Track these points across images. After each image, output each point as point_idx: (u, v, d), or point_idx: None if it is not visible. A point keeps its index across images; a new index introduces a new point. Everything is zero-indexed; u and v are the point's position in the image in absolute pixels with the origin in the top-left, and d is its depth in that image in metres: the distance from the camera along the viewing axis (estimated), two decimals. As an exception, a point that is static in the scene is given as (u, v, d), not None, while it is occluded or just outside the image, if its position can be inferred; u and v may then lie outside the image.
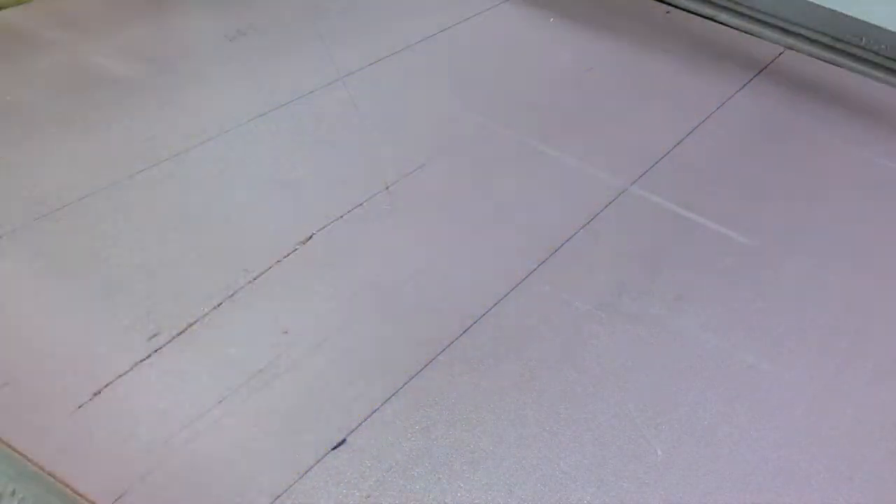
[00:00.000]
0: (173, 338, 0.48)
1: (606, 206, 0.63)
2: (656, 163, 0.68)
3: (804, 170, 0.70)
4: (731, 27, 0.88)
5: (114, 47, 0.68)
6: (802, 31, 0.85)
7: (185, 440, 0.43)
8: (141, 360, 0.46)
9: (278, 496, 0.42)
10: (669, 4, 0.90)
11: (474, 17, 0.79)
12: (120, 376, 0.45)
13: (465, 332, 0.51)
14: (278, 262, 0.53)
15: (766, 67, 0.82)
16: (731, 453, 0.47)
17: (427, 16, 0.76)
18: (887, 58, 0.82)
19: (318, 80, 0.66)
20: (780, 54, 0.85)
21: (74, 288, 0.49)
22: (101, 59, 0.66)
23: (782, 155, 0.72)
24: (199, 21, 0.74)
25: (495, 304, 0.53)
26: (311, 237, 0.55)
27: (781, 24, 0.86)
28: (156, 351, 0.47)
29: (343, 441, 0.44)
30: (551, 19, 0.84)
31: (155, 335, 0.47)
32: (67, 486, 0.40)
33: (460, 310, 0.53)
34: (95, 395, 0.44)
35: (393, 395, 0.47)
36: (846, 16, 0.83)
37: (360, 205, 0.59)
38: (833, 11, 0.85)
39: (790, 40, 0.86)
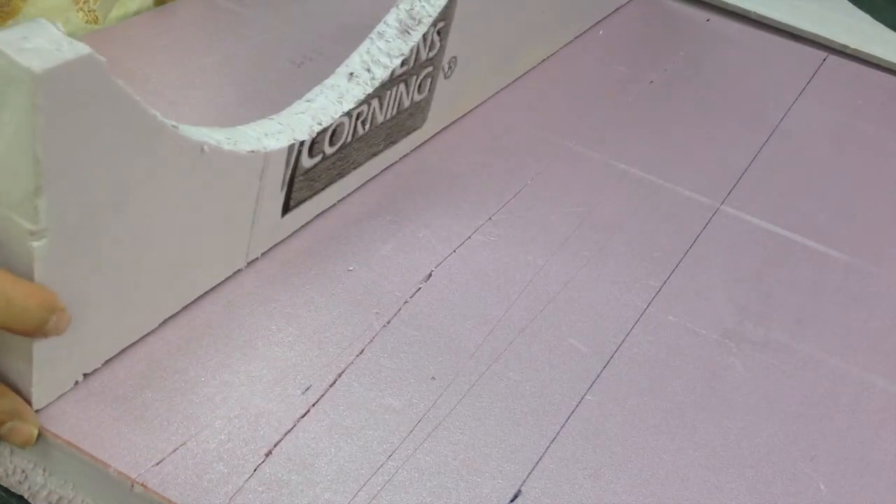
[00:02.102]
0: (326, 390, 0.47)
1: (704, 228, 0.63)
2: (738, 180, 0.69)
3: (880, 176, 0.72)
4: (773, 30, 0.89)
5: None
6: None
7: (367, 498, 0.42)
8: (301, 416, 0.45)
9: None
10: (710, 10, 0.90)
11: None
12: (286, 433, 0.44)
13: (604, 367, 0.51)
14: (406, 302, 0.53)
15: (814, 74, 0.83)
16: (890, 482, 0.48)
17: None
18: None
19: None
20: (823, 60, 0.86)
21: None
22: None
23: (854, 163, 0.73)
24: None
25: (626, 336, 0.53)
26: (430, 275, 0.55)
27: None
28: (313, 405, 0.46)
29: (519, 492, 0.44)
30: (601, 31, 0.84)
31: (308, 388, 0.46)
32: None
33: (595, 345, 0.52)
34: (267, 455, 0.43)
35: (553, 440, 0.47)
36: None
37: (469, 237, 0.58)
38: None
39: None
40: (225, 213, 0.42)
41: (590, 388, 0.49)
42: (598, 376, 0.50)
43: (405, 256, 0.55)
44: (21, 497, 0.43)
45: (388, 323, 0.51)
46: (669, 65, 0.81)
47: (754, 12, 0.89)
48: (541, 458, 0.45)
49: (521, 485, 0.44)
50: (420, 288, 0.53)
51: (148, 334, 0.45)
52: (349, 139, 0.47)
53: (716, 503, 0.45)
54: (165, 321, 0.46)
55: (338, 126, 0.45)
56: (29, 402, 0.39)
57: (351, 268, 0.53)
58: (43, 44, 0.28)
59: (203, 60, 0.67)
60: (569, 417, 0.48)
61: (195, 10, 0.72)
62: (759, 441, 0.48)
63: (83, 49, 0.28)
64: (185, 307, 0.47)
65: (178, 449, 0.42)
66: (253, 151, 0.40)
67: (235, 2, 0.74)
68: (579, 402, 0.49)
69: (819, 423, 0.50)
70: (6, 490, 0.43)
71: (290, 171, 0.44)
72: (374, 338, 0.49)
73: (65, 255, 0.32)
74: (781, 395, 0.51)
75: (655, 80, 0.78)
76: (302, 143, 0.43)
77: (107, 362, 0.43)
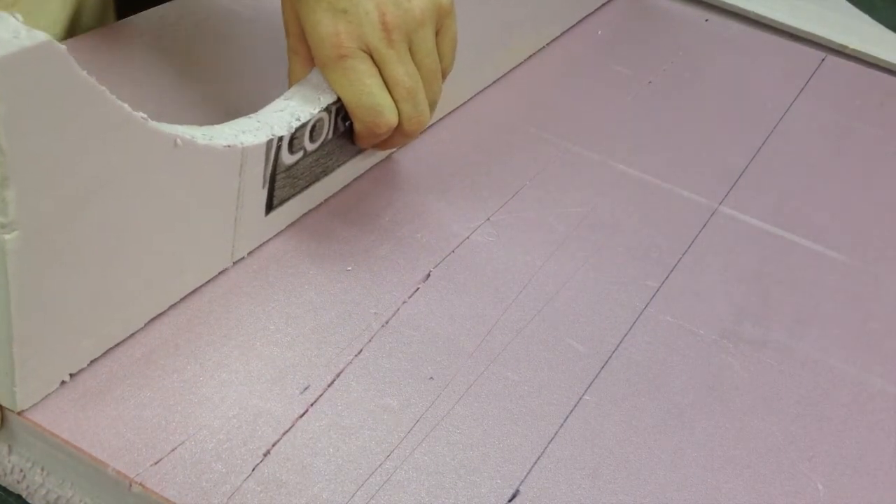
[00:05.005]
0: (325, 390, 0.47)
1: (703, 229, 0.63)
2: (736, 180, 0.69)
3: (879, 177, 0.72)
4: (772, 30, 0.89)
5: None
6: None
7: (366, 498, 0.42)
8: (300, 416, 0.45)
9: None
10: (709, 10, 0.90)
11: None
12: (284, 433, 0.44)
13: (602, 368, 0.51)
14: (404, 302, 0.53)
15: (813, 74, 0.84)
16: (887, 482, 0.48)
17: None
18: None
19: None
20: (822, 60, 0.86)
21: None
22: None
23: (852, 164, 0.73)
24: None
25: (624, 336, 0.53)
26: (428, 275, 0.55)
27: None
28: (312, 405, 0.46)
29: (517, 492, 0.44)
30: (599, 32, 0.84)
31: (307, 388, 0.46)
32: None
33: (593, 345, 0.52)
34: (266, 455, 0.43)
35: (551, 440, 0.47)
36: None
37: (467, 237, 0.58)
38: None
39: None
40: (205, 210, 0.41)
41: (588, 389, 0.49)
42: (597, 376, 0.50)
43: (403, 257, 0.55)
44: (19, 496, 0.43)
45: (387, 323, 0.51)
46: (668, 65, 0.81)
47: (753, 12, 0.89)
48: (539, 458, 0.45)
49: (520, 484, 0.44)
50: (418, 288, 0.53)
51: (146, 334, 0.45)
52: (330, 135, 0.47)
53: (714, 503, 0.45)
54: (163, 321, 0.46)
55: (317, 122, 0.45)
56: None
57: (349, 268, 0.53)
58: (0, 33, 0.28)
59: (201, 60, 0.67)
60: (567, 417, 0.48)
61: (196, 10, 0.72)
62: (757, 441, 0.49)
63: (42, 37, 0.28)
64: (184, 307, 0.47)
65: (176, 448, 0.42)
66: (229, 146, 0.40)
67: (235, 2, 0.74)
68: (577, 403, 0.49)
69: (817, 424, 0.50)
70: (4, 489, 0.43)
71: (270, 168, 0.44)
72: (372, 338, 0.49)
73: (38, 249, 0.32)
74: (779, 396, 0.52)
75: (654, 81, 0.78)
76: (280, 138, 0.43)
77: (106, 362, 0.43)
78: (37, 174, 0.30)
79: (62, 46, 0.29)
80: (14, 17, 0.32)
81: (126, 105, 0.33)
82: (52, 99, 0.29)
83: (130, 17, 0.69)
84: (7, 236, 0.30)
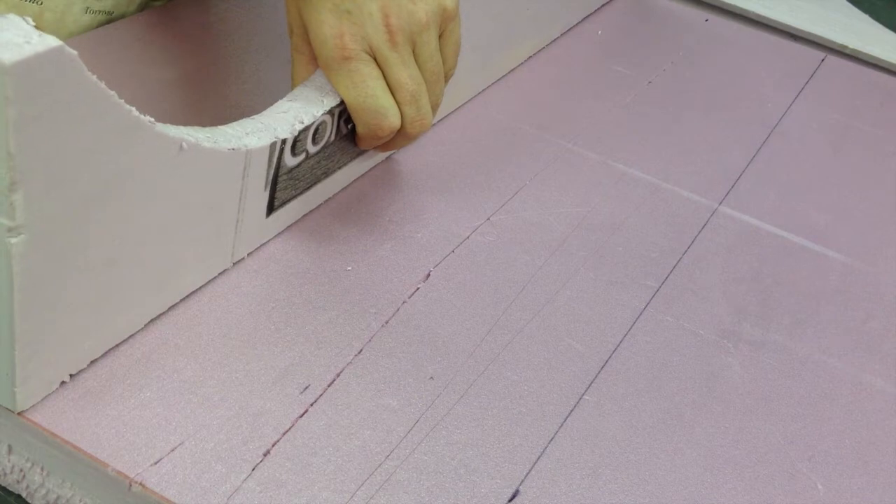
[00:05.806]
0: (325, 389, 0.47)
1: (702, 229, 0.63)
2: (737, 180, 0.69)
3: (878, 177, 0.72)
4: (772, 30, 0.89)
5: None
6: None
7: (365, 498, 0.42)
8: (300, 416, 0.45)
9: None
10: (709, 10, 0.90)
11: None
12: (284, 433, 0.44)
13: (602, 367, 0.51)
14: (404, 302, 0.53)
15: (813, 74, 0.84)
16: (887, 481, 0.48)
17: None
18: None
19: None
20: (822, 60, 0.86)
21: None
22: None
23: (852, 164, 0.73)
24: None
25: (624, 336, 0.54)
26: (428, 275, 0.55)
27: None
28: (312, 405, 0.46)
29: (517, 492, 0.44)
30: (599, 31, 0.84)
31: (307, 388, 0.46)
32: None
33: (593, 345, 0.53)
34: (265, 454, 0.43)
35: (551, 440, 0.47)
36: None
37: (467, 237, 0.58)
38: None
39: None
40: (208, 212, 0.41)
41: (588, 388, 0.49)
42: (596, 376, 0.50)
43: (403, 256, 0.55)
44: (19, 496, 0.43)
45: (387, 323, 0.51)
46: (668, 65, 0.81)
47: (753, 12, 0.89)
48: (539, 458, 0.45)
49: (520, 484, 0.44)
50: (418, 288, 0.53)
51: (146, 334, 0.45)
52: (332, 138, 0.47)
53: (713, 503, 0.45)
54: (163, 321, 0.46)
55: (320, 124, 0.45)
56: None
57: (349, 268, 0.53)
58: (12, 37, 0.28)
59: (205, 58, 0.67)
60: (567, 417, 0.48)
61: (201, 8, 0.72)
62: (756, 441, 0.49)
63: (53, 42, 0.28)
64: (184, 307, 0.47)
65: (176, 448, 0.42)
66: (234, 149, 0.40)
67: (239, 0, 0.74)
68: (577, 402, 0.49)
69: (816, 424, 0.50)
70: (4, 489, 0.43)
71: (273, 170, 0.44)
72: (372, 337, 0.49)
73: (43, 252, 0.32)
74: (779, 396, 0.52)
75: (654, 81, 0.78)
76: (284, 141, 0.43)
77: (106, 362, 0.43)
78: (45, 178, 0.30)
79: (73, 51, 0.29)
80: (25, 20, 0.32)
81: (134, 109, 0.33)
82: (62, 103, 0.29)
83: (133, 16, 0.69)
84: (13, 240, 0.30)
